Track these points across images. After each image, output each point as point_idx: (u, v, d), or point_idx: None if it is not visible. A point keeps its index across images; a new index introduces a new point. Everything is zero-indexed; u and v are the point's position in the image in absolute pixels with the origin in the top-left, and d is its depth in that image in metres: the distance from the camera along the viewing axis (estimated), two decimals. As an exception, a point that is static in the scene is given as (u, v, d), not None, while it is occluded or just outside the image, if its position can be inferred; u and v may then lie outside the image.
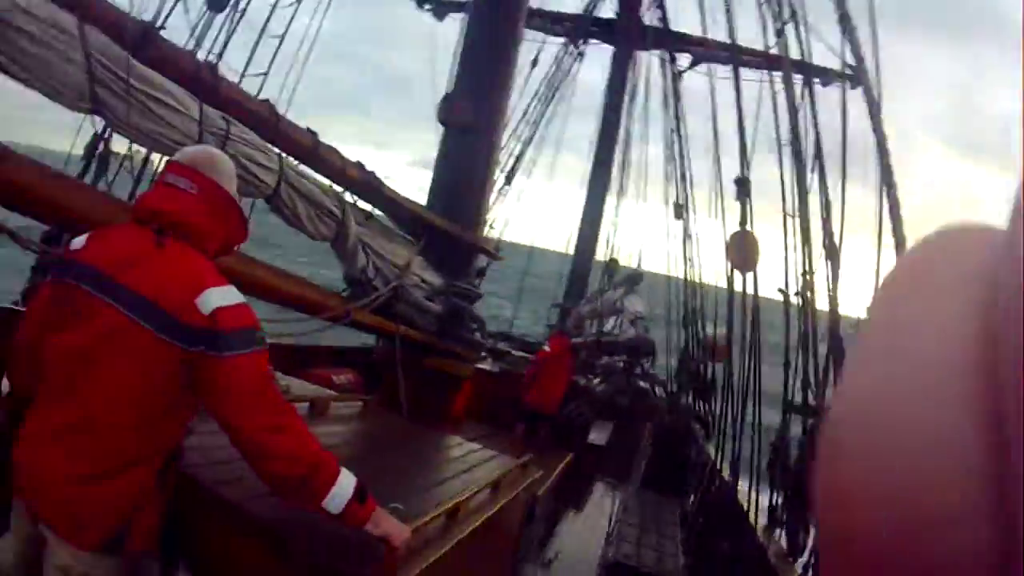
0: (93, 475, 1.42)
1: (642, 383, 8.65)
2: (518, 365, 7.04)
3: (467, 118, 4.27)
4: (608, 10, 11.43)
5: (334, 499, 1.52)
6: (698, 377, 8.60)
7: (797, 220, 4.93)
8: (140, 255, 1.51)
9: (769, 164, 5.50)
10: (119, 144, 2.90)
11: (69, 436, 1.43)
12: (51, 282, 1.61)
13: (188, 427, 1.62)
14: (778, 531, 4.56)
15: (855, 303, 5.02)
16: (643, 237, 13.27)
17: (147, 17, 2.84)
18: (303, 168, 3.12)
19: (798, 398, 4.74)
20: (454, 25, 9.26)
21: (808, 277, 4.77)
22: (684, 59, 10.96)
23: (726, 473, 5.94)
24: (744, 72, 6.37)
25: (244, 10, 4.50)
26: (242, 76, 3.66)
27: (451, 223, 4.09)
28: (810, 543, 4.21)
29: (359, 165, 3.46)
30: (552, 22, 11.18)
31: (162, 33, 2.59)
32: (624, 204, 12.08)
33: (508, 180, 10.20)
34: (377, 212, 3.69)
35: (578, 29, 11.30)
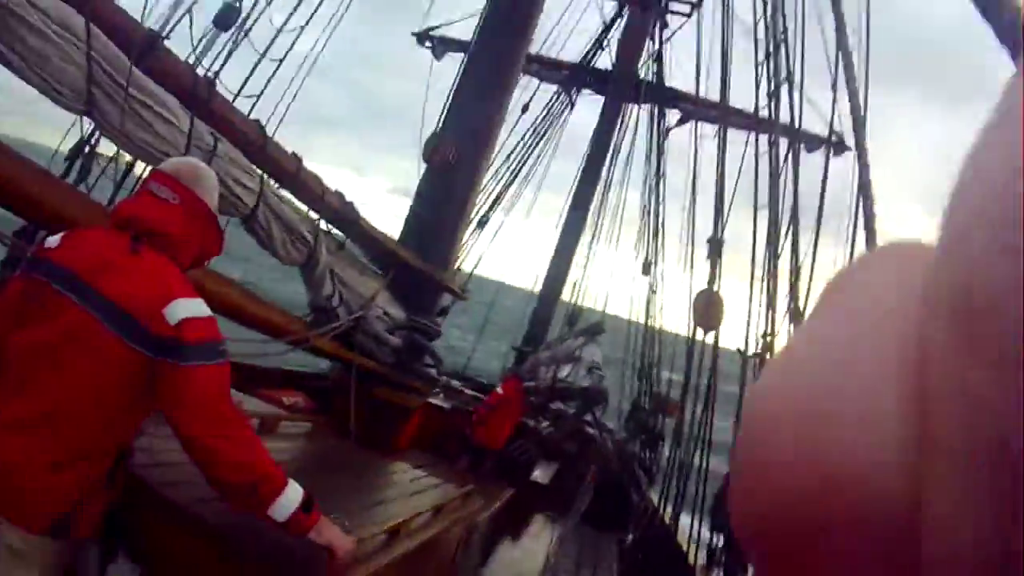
0: (48, 465, 1.46)
1: (591, 430, 8.72)
2: (469, 404, 7.06)
3: (450, 161, 4.37)
4: (605, 60, 11.40)
5: (280, 508, 1.58)
6: (646, 428, 8.72)
7: (765, 283, 5.05)
8: (114, 260, 1.55)
9: (747, 218, 5.61)
10: (105, 148, 2.93)
11: (30, 428, 1.46)
12: (20, 277, 1.62)
13: (140, 427, 1.67)
14: (716, 572, 4.58)
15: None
16: (610, 281, 12.83)
17: (153, 26, 2.92)
18: (283, 192, 3.17)
19: None
20: (452, 64, 9.43)
21: (769, 339, 4.84)
22: (673, 115, 11.13)
23: (668, 516, 5.97)
24: (731, 133, 6.44)
25: (248, 31, 4.60)
26: (236, 95, 3.74)
27: (422, 261, 4.16)
28: None
29: (339, 195, 3.53)
30: (548, 69, 11.18)
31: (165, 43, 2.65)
32: (596, 247, 12.05)
33: (482, 223, 10.20)
34: (351, 242, 3.75)
35: (573, 79, 11.30)
